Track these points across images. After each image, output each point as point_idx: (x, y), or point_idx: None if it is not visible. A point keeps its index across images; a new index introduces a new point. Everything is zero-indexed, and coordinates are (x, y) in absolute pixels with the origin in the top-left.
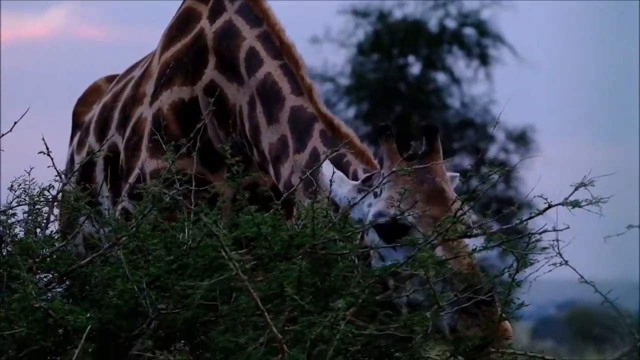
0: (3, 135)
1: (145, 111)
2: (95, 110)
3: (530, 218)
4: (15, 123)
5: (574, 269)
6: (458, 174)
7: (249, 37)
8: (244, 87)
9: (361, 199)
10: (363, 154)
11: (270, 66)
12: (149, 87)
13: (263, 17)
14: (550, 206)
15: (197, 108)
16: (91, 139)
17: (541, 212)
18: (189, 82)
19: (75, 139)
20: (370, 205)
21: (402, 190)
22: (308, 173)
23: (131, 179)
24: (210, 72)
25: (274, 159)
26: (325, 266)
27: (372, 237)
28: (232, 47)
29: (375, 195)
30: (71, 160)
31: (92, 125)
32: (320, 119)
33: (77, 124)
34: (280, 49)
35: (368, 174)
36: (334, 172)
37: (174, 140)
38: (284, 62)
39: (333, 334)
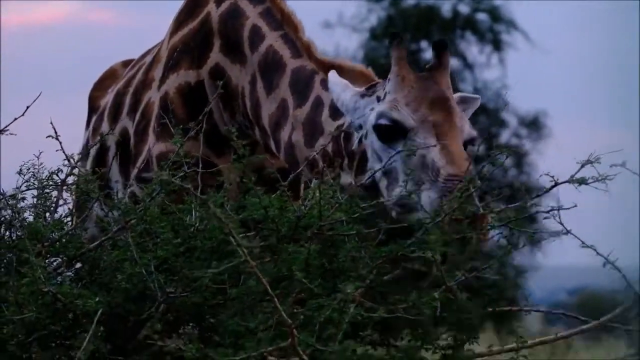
0: (15, 119)
1: (153, 95)
2: (110, 96)
3: (538, 197)
4: (27, 107)
5: (576, 237)
6: (479, 97)
7: (252, 15)
8: (246, 67)
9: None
10: (367, 78)
11: (271, 38)
12: (158, 72)
13: None
14: (556, 184)
15: (203, 91)
16: (105, 125)
17: (548, 190)
18: (195, 65)
19: (91, 124)
20: (372, 109)
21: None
22: (321, 149)
23: (139, 163)
24: (215, 56)
25: (273, 127)
26: (332, 247)
27: (371, 138)
28: (237, 26)
29: (379, 100)
30: (86, 145)
31: (106, 112)
32: (320, 70)
33: (93, 108)
34: (281, 20)
35: (372, 83)
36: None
37: (181, 123)
38: (284, 32)
39: (342, 317)
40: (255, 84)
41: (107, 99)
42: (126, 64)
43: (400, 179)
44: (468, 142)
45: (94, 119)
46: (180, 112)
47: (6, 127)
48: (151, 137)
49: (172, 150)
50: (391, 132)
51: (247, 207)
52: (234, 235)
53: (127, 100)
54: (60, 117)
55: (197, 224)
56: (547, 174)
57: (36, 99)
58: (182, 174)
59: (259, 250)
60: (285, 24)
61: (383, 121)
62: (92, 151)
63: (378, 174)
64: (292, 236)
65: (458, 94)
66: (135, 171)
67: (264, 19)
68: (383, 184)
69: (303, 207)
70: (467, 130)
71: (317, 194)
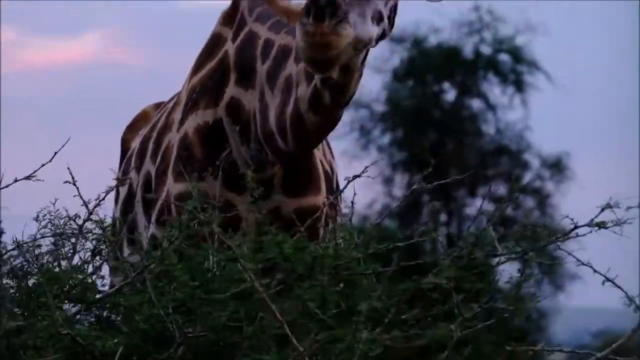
0: (43, 165)
1: (173, 137)
2: (138, 140)
3: (557, 239)
4: (55, 153)
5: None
6: None
7: (263, 33)
8: (255, 87)
9: None
10: None
11: (280, 39)
12: (178, 114)
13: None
14: (576, 227)
15: (221, 130)
16: (132, 170)
17: (567, 233)
18: (213, 104)
19: (122, 167)
20: None
21: None
22: None
23: (158, 205)
24: (230, 90)
25: (278, 116)
26: (348, 286)
27: None
28: (251, 50)
29: None
30: (117, 189)
31: (133, 157)
32: None
33: (124, 151)
34: (289, 22)
35: None
36: None
37: (199, 163)
38: (289, 28)
39: (355, 340)
40: (263, 95)
41: (136, 143)
42: (158, 106)
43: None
44: None
45: (124, 162)
46: (199, 151)
47: (34, 172)
48: (170, 178)
49: (186, 191)
50: None
51: (263, 248)
52: (244, 266)
53: (150, 144)
54: (86, 155)
55: (215, 269)
56: (567, 217)
57: (64, 145)
58: (199, 219)
59: (274, 290)
60: (291, 22)
61: None
62: (121, 195)
63: None
64: (309, 276)
65: None
66: (154, 213)
67: (273, 30)
68: None
69: (320, 248)
70: None
71: (334, 234)
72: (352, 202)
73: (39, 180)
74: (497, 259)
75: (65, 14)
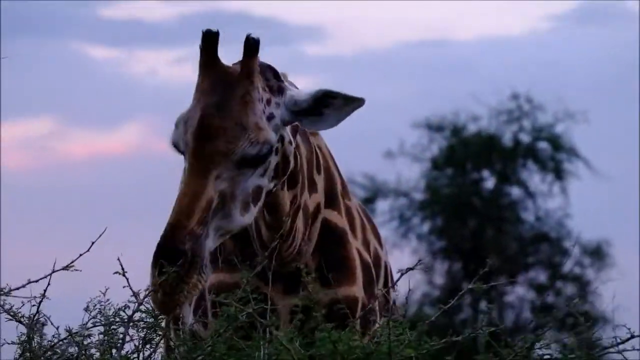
0: (81, 255)
1: None
2: None
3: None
4: (92, 243)
5: None
6: (364, 98)
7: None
8: None
9: None
10: None
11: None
12: None
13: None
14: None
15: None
16: None
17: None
18: None
19: None
20: None
21: None
22: None
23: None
24: None
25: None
26: None
27: None
28: None
29: None
30: None
31: None
32: None
33: None
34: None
35: None
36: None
37: (229, 254)
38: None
39: None
40: None
41: None
42: None
43: None
44: (246, 161)
45: None
46: (229, 244)
47: (72, 262)
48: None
49: (221, 281)
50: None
51: (316, 343)
52: None
53: None
54: (130, 249)
55: None
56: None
57: (101, 235)
58: (249, 310)
59: None
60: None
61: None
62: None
63: None
64: None
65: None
66: (192, 303)
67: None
68: None
69: (372, 344)
70: (243, 150)
71: (386, 331)
72: (406, 299)
73: (76, 270)
74: None
75: (104, 104)
